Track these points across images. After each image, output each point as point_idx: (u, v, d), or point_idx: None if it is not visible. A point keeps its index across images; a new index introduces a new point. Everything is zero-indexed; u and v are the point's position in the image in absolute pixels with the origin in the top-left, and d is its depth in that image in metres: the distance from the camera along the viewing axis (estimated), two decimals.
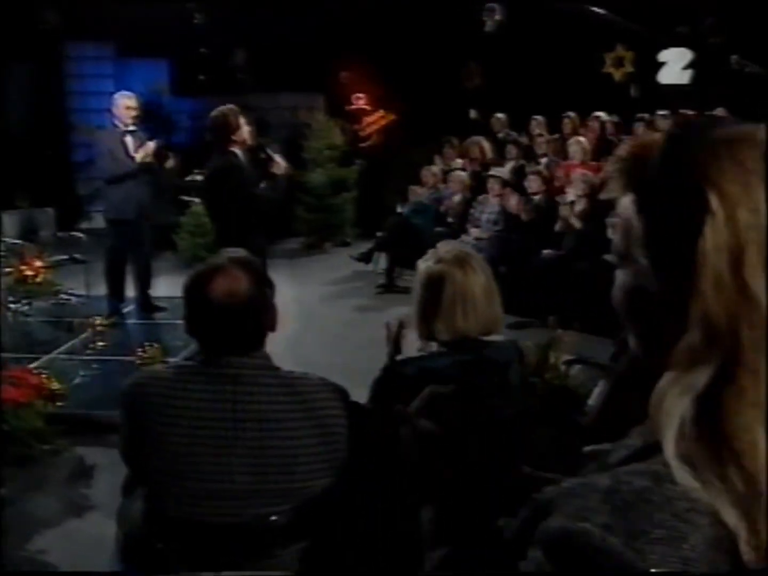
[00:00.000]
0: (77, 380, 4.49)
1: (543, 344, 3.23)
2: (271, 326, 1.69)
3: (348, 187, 9.78)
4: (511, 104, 9.59)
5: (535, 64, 10.03)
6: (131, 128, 5.84)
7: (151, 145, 5.76)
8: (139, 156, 5.71)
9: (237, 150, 4.38)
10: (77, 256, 6.21)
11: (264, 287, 1.67)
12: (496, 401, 2.08)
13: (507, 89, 10.22)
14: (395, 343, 2.19)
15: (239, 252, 1.72)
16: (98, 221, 10.74)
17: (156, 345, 4.80)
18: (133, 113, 5.83)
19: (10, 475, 3.34)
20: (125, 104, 5.81)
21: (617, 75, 10.68)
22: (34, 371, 4.12)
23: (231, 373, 1.62)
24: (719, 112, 7.42)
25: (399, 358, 2.11)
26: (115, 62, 11.24)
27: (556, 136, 8.36)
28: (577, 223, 6.38)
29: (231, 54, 11.68)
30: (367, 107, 11.51)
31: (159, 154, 5.81)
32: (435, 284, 2.01)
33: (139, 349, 4.72)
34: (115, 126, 5.87)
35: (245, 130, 4.40)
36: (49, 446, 3.60)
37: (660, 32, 10.02)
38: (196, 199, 8.84)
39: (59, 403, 4.00)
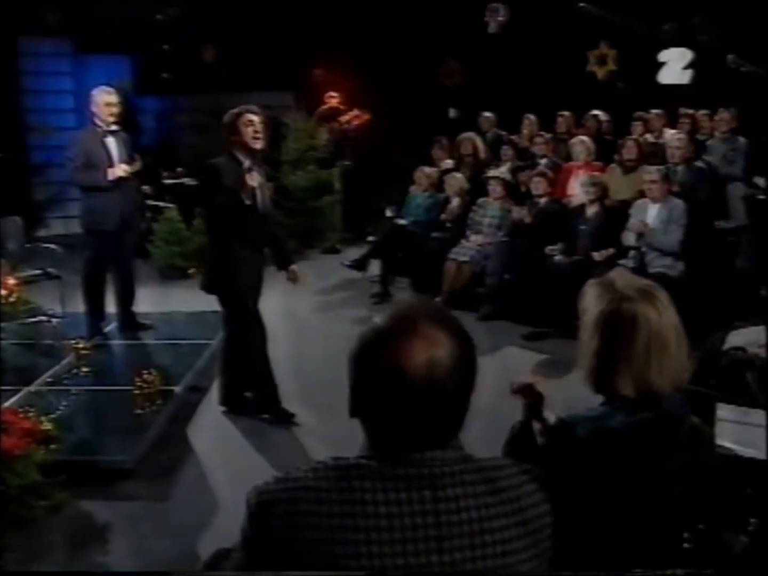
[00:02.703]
0: (67, 415, 3.90)
1: None
2: None
3: (331, 190, 9.28)
4: (494, 102, 9.22)
5: (518, 61, 9.73)
6: (113, 128, 5.25)
7: (137, 164, 5.35)
8: (120, 172, 5.25)
9: (239, 153, 4.02)
10: (50, 270, 5.58)
11: (470, 351, 1.20)
12: (675, 463, 1.69)
13: (488, 87, 9.90)
14: (534, 409, 1.79)
15: (426, 301, 1.23)
16: (56, 228, 10.11)
17: (154, 371, 4.25)
18: (115, 111, 5.24)
19: (6, 542, 2.77)
20: (105, 101, 5.21)
21: (600, 73, 10.45)
22: (20, 410, 3.53)
23: (427, 473, 1.15)
24: (725, 113, 7.18)
25: (567, 415, 1.68)
26: (73, 58, 10.53)
27: (549, 135, 8.02)
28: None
29: (197, 51, 11.10)
30: (341, 106, 11.05)
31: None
32: (624, 328, 1.60)
33: (137, 378, 4.16)
34: (96, 126, 5.26)
35: (248, 132, 4.00)
36: (48, 502, 3.03)
37: (647, 30, 9.82)
38: (170, 205, 8.32)
39: (52, 447, 3.43)
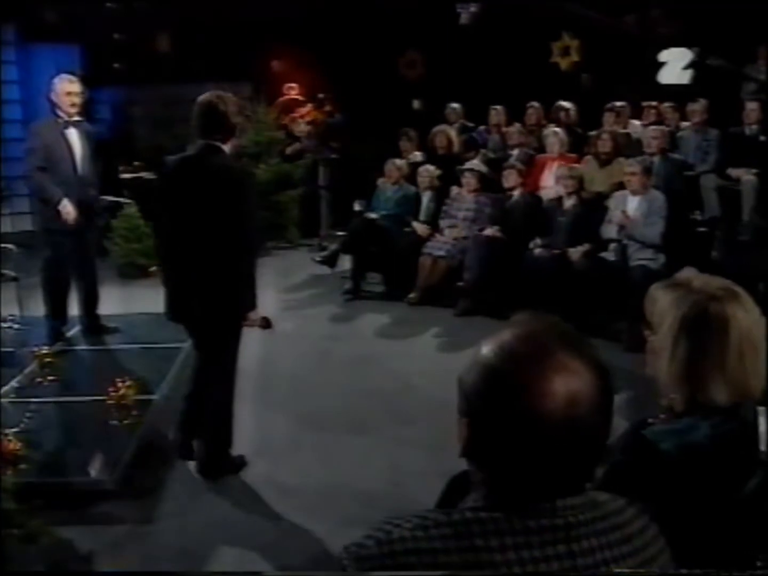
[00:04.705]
0: (34, 431, 3.58)
1: None
2: None
3: (293, 183, 9.00)
4: (456, 94, 9.07)
5: (480, 52, 9.61)
6: (76, 118, 4.91)
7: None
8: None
9: (225, 147, 3.46)
10: (8, 271, 5.21)
11: (609, 380, 1.00)
12: (756, 479, 1.56)
13: (451, 78, 9.75)
14: None
15: (553, 321, 1.02)
16: (4, 226, 9.59)
17: (129, 379, 3.95)
18: (76, 100, 4.89)
19: None
20: (66, 90, 4.86)
21: (564, 64, 10.40)
22: None
23: (562, 524, 0.96)
24: (696, 105, 7.14)
25: (646, 430, 1.52)
26: (18, 47, 10.00)
27: (517, 125, 7.90)
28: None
29: (150, 40, 10.69)
30: (300, 97, 10.79)
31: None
32: (714, 331, 1.46)
33: (111, 387, 3.86)
34: (56, 116, 4.91)
35: (239, 128, 3.54)
36: (22, 531, 2.73)
37: (608, 22, 9.80)
38: (128, 200, 7.96)
39: (21, 467, 3.14)
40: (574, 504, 0.97)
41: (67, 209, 4.90)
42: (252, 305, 3.51)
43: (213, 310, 3.43)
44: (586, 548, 0.97)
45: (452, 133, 7.65)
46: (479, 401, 0.97)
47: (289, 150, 9.50)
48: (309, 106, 10.51)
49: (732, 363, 1.46)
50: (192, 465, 3.57)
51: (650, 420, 1.75)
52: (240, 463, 3.65)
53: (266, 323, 3.73)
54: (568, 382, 0.94)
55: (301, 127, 9.54)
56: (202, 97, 3.42)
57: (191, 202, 3.41)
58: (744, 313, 1.47)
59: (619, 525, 1.02)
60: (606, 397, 0.97)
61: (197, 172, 3.41)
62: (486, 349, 0.99)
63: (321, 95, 10.15)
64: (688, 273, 1.63)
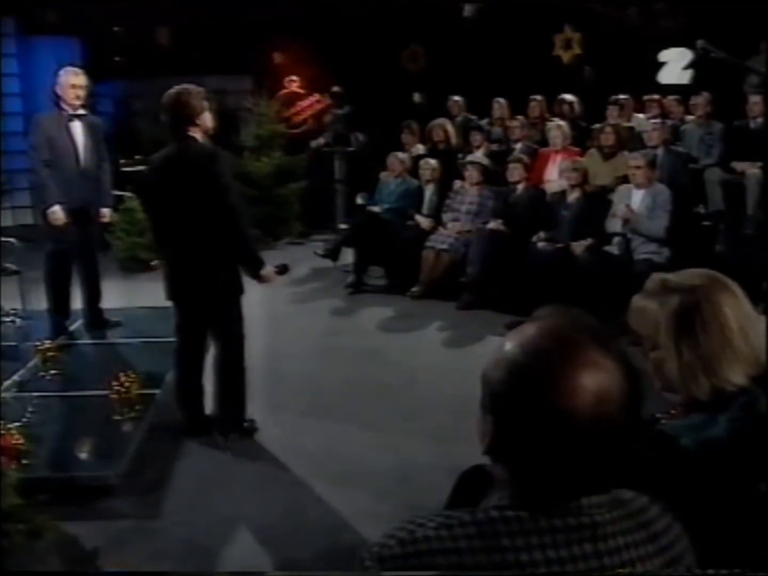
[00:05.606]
0: (37, 425, 3.58)
1: None
2: None
3: (296, 177, 8.97)
4: (458, 87, 9.02)
5: (482, 45, 9.56)
6: (80, 111, 4.88)
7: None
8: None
9: (198, 136, 3.62)
10: (10, 265, 5.19)
11: (637, 376, 0.99)
12: None
13: (452, 72, 9.70)
14: None
15: (577, 315, 1.01)
16: (5, 220, 9.57)
17: (132, 373, 3.93)
18: (80, 93, 4.86)
19: None
20: (71, 82, 4.83)
21: (566, 57, 10.34)
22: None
23: (588, 522, 0.95)
24: (699, 98, 7.11)
25: (662, 423, 1.51)
26: (19, 40, 9.95)
27: (521, 118, 7.85)
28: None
29: (149, 34, 10.63)
30: (301, 91, 10.75)
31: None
32: (709, 316, 1.48)
33: (114, 381, 3.84)
34: (60, 109, 4.88)
35: (208, 116, 3.70)
36: (27, 526, 2.72)
37: (611, 14, 9.74)
38: (130, 194, 7.91)
39: (24, 462, 3.13)
40: (599, 502, 0.96)
41: (56, 215, 4.94)
42: (257, 266, 3.69)
43: (215, 289, 3.66)
44: (613, 547, 0.96)
45: (449, 126, 7.60)
46: (505, 398, 0.95)
47: (313, 144, 9.47)
48: (317, 97, 10.51)
49: (738, 341, 1.47)
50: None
51: (659, 415, 1.74)
52: (251, 428, 3.89)
53: (283, 269, 3.88)
54: (596, 379, 0.92)
55: (330, 119, 9.51)
56: (166, 95, 3.58)
57: (180, 195, 3.58)
58: (730, 293, 1.50)
59: (644, 523, 1.01)
60: (634, 395, 0.96)
61: (181, 165, 3.59)
62: (511, 345, 0.97)
63: (335, 88, 10.04)
64: (655, 276, 1.63)
